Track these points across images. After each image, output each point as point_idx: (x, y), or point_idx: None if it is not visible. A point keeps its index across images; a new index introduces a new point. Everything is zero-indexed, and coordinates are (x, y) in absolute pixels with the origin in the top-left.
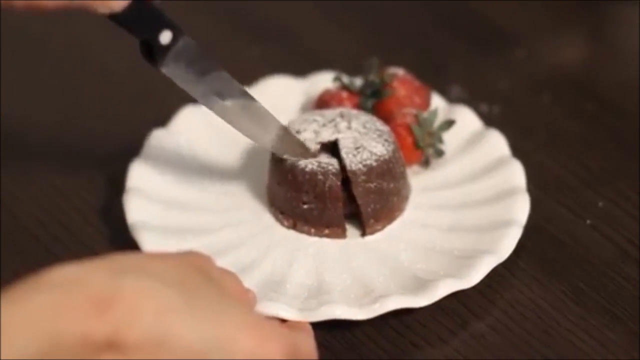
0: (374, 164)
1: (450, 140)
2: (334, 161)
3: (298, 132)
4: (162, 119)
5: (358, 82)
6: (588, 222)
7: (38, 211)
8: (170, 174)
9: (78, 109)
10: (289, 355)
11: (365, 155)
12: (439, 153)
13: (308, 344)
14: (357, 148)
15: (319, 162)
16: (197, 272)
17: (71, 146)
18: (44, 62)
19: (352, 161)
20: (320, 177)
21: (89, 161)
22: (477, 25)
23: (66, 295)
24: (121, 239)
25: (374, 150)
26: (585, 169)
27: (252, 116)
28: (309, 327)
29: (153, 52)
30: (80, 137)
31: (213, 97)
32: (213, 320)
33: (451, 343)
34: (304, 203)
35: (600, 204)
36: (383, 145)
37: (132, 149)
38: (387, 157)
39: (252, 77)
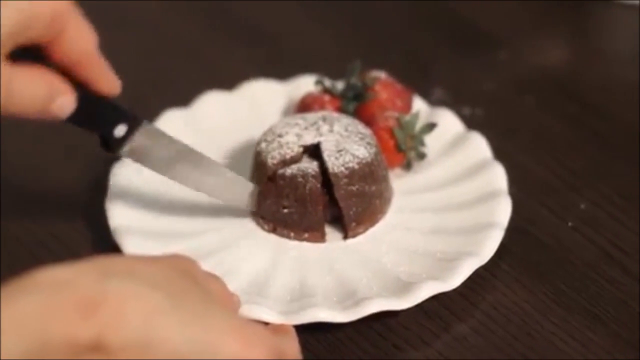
0: (356, 166)
1: (433, 143)
2: (314, 164)
3: (280, 135)
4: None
5: (340, 85)
6: (570, 224)
7: (22, 215)
8: (153, 178)
9: None
10: (274, 357)
11: (348, 158)
12: (421, 156)
13: (292, 347)
14: (339, 151)
15: (299, 166)
16: (183, 275)
17: (54, 149)
18: None
19: (335, 164)
20: (300, 179)
21: (73, 164)
22: (460, 27)
23: (53, 298)
24: (105, 242)
25: (356, 153)
26: (568, 171)
27: (224, 184)
28: (293, 330)
29: (109, 144)
30: (63, 139)
31: (178, 173)
32: (199, 324)
33: (434, 345)
34: (284, 207)
35: (582, 205)
36: (365, 148)
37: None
38: (369, 159)
39: (234, 80)
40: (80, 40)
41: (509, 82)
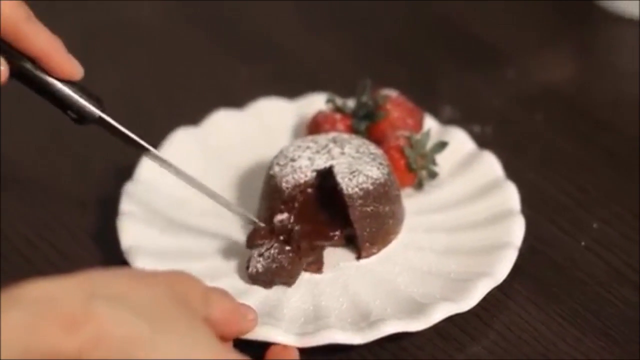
0: (370, 187)
1: (444, 162)
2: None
3: (293, 159)
4: (154, 141)
5: (350, 103)
6: (583, 243)
7: (30, 233)
8: (164, 197)
9: (68, 128)
10: None
11: (361, 179)
12: (432, 175)
13: None
14: (352, 172)
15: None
16: (174, 300)
17: (62, 167)
18: None
19: (349, 185)
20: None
21: (81, 183)
22: (468, 44)
23: (38, 311)
24: (113, 261)
25: (370, 174)
26: (579, 189)
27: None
28: (294, 353)
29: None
30: (70, 159)
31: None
32: (176, 354)
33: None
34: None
35: (594, 225)
36: (378, 168)
37: (124, 170)
38: (382, 180)
39: (242, 97)
40: (35, 41)
41: (517, 100)
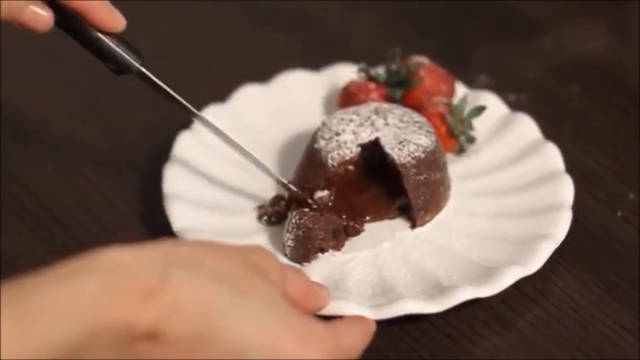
0: (422, 155)
1: (479, 126)
2: None
3: (337, 133)
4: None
5: (380, 72)
6: (619, 214)
7: (65, 199)
8: (206, 176)
9: (101, 95)
10: (331, 356)
11: (412, 148)
12: (471, 140)
13: (351, 340)
14: (400, 142)
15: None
16: (252, 270)
17: (96, 134)
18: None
19: (400, 155)
20: None
21: (115, 149)
22: (503, 13)
23: (113, 280)
24: (151, 227)
25: (419, 142)
26: (615, 161)
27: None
28: (366, 322)
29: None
30: (103, 125)
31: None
32: (257, 322)
33: (488, 337)
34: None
35: (631, 195)
36: (426, 136)
37: (155, 136)
38: (432, 147)
39: (268, 69)
40: None
41: (553, 70)
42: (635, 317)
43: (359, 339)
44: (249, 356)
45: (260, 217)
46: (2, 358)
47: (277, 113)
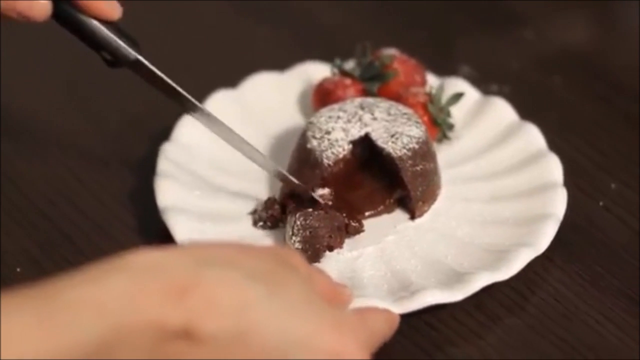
0: (416, 146)
1: (455, 113)
2: None
3: (328, 132)
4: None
5: (351, 66)
6: (601, 203)
7: (50, 191)
8: (202, 158)
9: (84, 86)
10: (367, 348)
11: (405, 140)
12: (450, 127)
13: (380, 328)
14: (392, 135)
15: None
16: (284, 266)
17: (80, 125)
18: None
19: (395, 148)
20: None
21: (99, 140)
22: (486, 4)
23: (143, 280)
24: (138, 218)
25: (411, 134)
26: (597, 151)
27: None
28: (390, 315)
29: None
30: (87, 116)
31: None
32: (294, 318)
33: (467, 324)
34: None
35: (613, 185)
36: (416, 127)
37: (140, 127)
38: (424, 138)
39: (248, 62)
40: None
41: (535, 61)
42: (618, 307)
43: (386, 327)
44: (289, 350)
45: (255, 223)
46: (25, 357)
47: (250, 117)
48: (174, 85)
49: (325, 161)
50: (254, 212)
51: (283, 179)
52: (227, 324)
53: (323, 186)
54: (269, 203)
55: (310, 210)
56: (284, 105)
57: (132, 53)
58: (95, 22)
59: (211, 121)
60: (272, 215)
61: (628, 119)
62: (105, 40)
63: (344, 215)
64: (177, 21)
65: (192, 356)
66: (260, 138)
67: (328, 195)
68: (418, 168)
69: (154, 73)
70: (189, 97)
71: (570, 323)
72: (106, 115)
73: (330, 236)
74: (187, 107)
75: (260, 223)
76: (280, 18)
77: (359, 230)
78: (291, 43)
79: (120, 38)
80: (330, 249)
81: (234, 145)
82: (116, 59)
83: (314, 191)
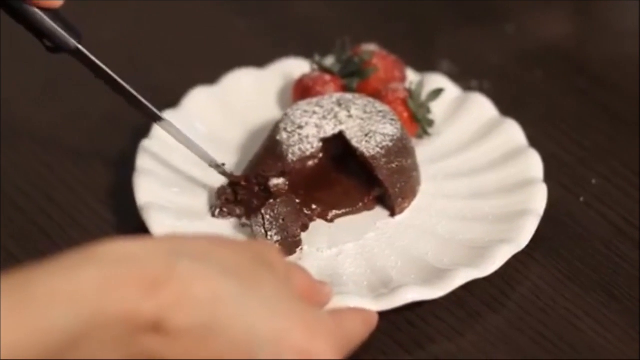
0: (390, 144)
1: (434, 109)
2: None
3: (300, 127)
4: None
5: (330, 61)
6: (582, 199)
7: (24, 184)
8: (181, 155)
9: (62, 80)
10: (340, 349)
11: (379, 138)
12: (430, 123)
13: (356, 329)
14: (366, 135)
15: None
16: (260, 262)
17: (57, 120)
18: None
19: (368, 147)
20: None
21: (75, 135)
22: None
23: (116, 271)
24: (112, 211)
25: (385, 132)
26: (578, 146)
27: None
28: (368, 314)
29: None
30: (64, 110)
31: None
32: (265, 314)
33: (449, 323)
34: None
35: (593, 181)
36: (391, 124)
37: (117, 121)
38: (399, 135)
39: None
40: None
41: (516, 56)
42: (598, 302)
43: (362, 328)
44: (257, 347)
45: (214, 214)
46: None
47: (230, 114)
48: (114, 76)
49: (290, 156)
50: (211, 207)
51: (217, 169)
52: (197, 317)
53: (278, 177)
54: (220, 190)
55: (272, 200)
56: (264, 101)
57: (72, 42)
58: (37, 11)
59: (154, 116)
60: (226, 200)
61: (609, 113)
62: (46, 28)
63: (313, 209)
64: (155, 18)
65: (161, 349)
66: (240, 135)
67: (282, 185)
68: (394, 165)
69: (95, 63)
70: (130, 89)
71: (550, 319)
72: (86, 111)
73: (299, 216)
74: (130, 101)
75: (218, 211)
76: (259, 11)
77: (306, 226)
78: (270, 37)
79: (61, 27)
80: (305, 228)
81: (175, 138)
82: (56, 46)
83: (267, 183)
